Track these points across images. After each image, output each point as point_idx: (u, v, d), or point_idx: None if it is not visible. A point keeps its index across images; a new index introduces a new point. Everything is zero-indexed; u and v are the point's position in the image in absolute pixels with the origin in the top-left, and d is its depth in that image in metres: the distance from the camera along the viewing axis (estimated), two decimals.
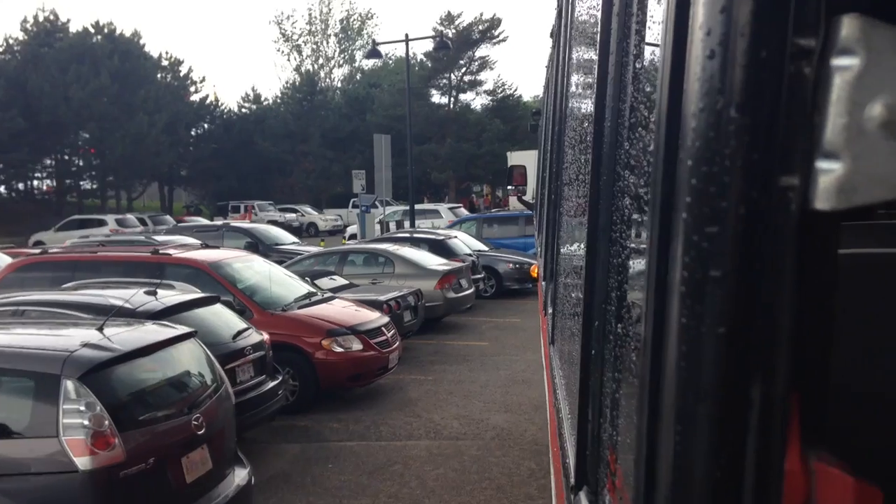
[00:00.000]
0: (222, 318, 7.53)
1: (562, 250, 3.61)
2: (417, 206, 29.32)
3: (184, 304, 7.15)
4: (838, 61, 0.57)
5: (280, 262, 15.78)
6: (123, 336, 4.99)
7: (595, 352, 1.50)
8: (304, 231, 40.53)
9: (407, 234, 17.88)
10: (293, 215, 42.26)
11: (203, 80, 62.10)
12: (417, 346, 12.08)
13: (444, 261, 14.43)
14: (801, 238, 0.60)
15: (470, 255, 16.32)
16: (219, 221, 32.83)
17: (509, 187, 15.97)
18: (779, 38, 0.58)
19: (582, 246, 1.84)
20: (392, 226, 26.05)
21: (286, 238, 20.75)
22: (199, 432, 4.88)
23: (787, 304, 0.60)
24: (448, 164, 48.32)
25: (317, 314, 9.09)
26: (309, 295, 9.66)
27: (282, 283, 9.84)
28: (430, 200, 45.21)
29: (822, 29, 0.58)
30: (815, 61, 0.58)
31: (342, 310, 9.55)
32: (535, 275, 10.21)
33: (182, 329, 5.43)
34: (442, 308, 13.27)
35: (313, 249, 18.12)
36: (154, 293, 7.17)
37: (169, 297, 7.21)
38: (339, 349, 8.75)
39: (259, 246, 19.12)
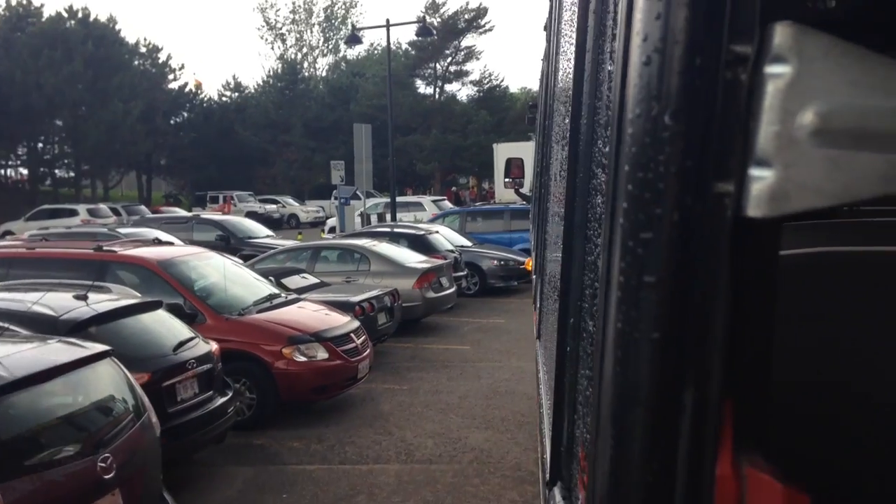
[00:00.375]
0: (164, 327, 6.63)
1: (546, 245, 3.58)
2: (400, 199, 28.44)
3: (118, 310, 6.26)
4: (771, 69, 0.56)
5: (251, 257, 14.91)
6: (16, 358, 4.09)
7: (570, 349, 1.48)
8: (286, 222, 39.52)
9: (387, 229, 16.99)
10: (273, 206, 41.21)
11: (182, 67, 60.74)
12: (393, 350, 11.21)
13: (423, 258, 13.56)
14: (738, 244, 0.59)
15: (452, 251, 15.46)
16: (195, 213, 31.72)
17: (506, 180, 15.30)
18: (714, 45, 0.58)
19: (561, 242, 1.85)
20: (373, 219, 25.18)
21: (260, 231, 19.79)
22: (108, 476, 3.99)
23: (721, 311, 0.60)
24: (433, 155, 47.39)
25: (278, 319, 8.20)
26: (271, 297, 8.76)
27: (241, 284, 8.93)
28: (415, 192, 44.28)
29: (757, 36, 0.57)
30: (749, 68, 0.57)
31: (307, 314, 8.66)
32: (530, 268, 9.57)
33: (95, 347, 4.53)
34: (421, 309, 12.40)
35: (288, 244, 17.22)
36: (84, 297, 6.26)
37: (101, 302, 6.30)
38: (301, 358, 7.87)
39: (231, 239, 18.19)
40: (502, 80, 53.32)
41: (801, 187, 0.55)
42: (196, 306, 7.92)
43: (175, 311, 7.70)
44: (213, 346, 6.84)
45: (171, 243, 10.25)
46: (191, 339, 6.67)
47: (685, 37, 0.58)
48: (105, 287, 7.00)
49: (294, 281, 11.13)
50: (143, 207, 35.41)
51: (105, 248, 8.60)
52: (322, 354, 7.98)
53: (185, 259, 8.65)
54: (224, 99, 55.47)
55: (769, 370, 0.66)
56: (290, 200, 43.81)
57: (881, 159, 0.54)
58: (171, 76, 51.94)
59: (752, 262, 0.62)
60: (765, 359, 0.66)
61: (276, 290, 9.13)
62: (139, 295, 7.03)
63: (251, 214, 38.40)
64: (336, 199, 24.60)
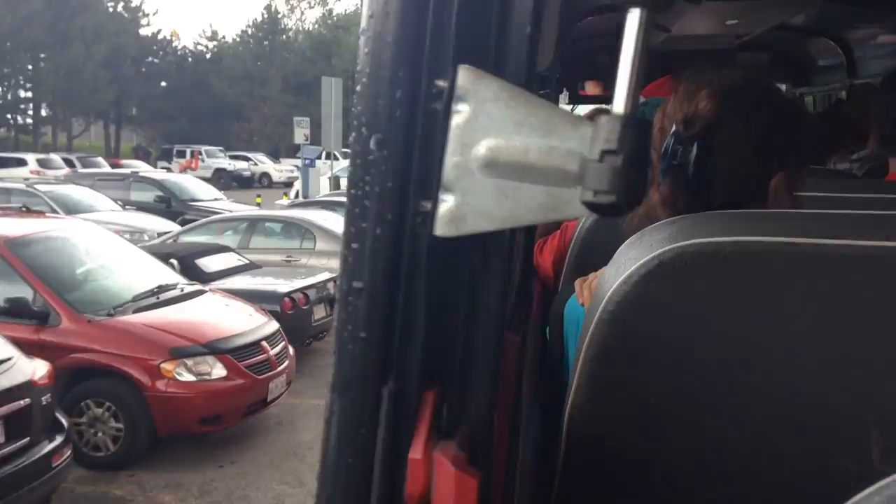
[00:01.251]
0: None
1: None
2: None
3: None
4: (456, 106, 0.64)
5: (187, 223, 12.91)
6: None
7: None
8: (257, 181, 37.32)
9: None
10: (244, 164, 38.87)
11: (156, 12, 57.62)
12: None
13: None
14: (436, 255, 0.68)
15: None
16: (164, 166, 29.53)
17: None
18: (414, 80, 0.66)
19: None
20: (343, 182, 23.13)
21: (206, 193, 17.62)
22: None
23: (421, 315, 0.69)
24: None
25: (161, 322, 6.20)
26: (159, 289, 6.74)
27: (122, 271, 6.92)
28: None
29: (450, 75, 0.65)
30: (444, 102, 0.65)
31: (206, 313, 6.67)
32: None
33: None
34: None
35: (240, 209, 15.18)
36: None
37: None
38: (187, 377, 5.90)
39: (171, 201, 16.10)
40: None
41: (475, 211, 0.64)
42: (49, 302, 5.92)
43: (19, 308, 5.73)
44: (41, 369, 4.85)
45: (41, 213, 8.14)
46: (3, 361, 4.67)
47: (388, 71, 0.65)
48: None
49: (219, 261, 9.13)
50: (100, 159, 32.91)
51: None
52: (218, 371, 6.03)
53: (47, 236, 6.61)
54: (200, 48, 52.63)
55: (470, 366, 0.74)
56: (263, 158, 41.42)
57: (540, 190, 0.62)
58: (143, 21, 49.03)
59: (450, 270, 0.71)
60: (465, 355, 0.74)
61: (172, 279, 7.10)
62: None
63: (220, 171, 36.17)
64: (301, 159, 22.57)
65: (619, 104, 0.59)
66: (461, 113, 0.63)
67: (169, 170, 32.56)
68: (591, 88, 6.10)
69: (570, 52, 6.27)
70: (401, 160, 0.66)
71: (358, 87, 0.67)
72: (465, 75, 0.63)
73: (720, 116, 1.12)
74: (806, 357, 0.90)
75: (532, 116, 0.62)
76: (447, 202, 0.65)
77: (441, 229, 0.65)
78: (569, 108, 9.35)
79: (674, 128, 1.15)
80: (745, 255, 0.89)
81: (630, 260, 0.86)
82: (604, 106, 3.74)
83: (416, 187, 0.67)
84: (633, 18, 0.58)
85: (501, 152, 0.62)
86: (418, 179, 0.66)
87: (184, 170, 33.28)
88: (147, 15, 49.30)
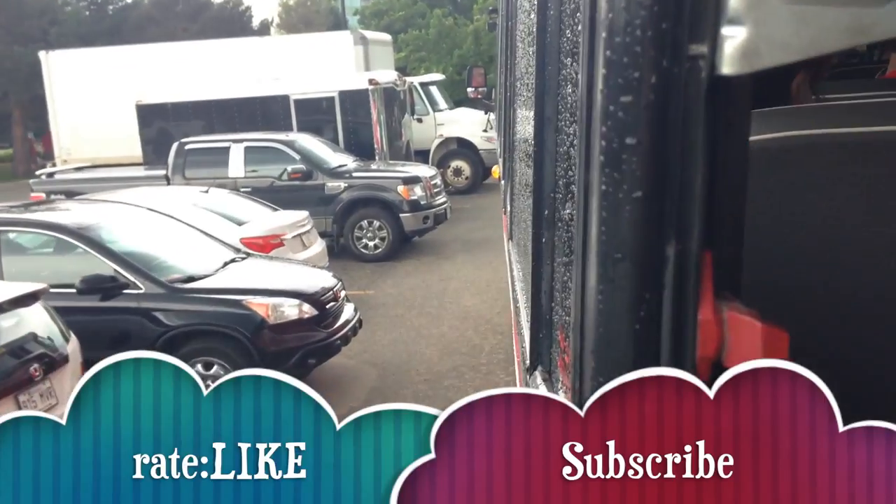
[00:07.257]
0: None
1: (515, 146, 3.73)
2: None
3: None
4: None
5: None
6: None
7: (546, 239, 1.57)
8: None
9: None
10: None
11: None
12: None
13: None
14: (713, 104, 0.62)
15: None
16: None
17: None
18: None
19: (531, 138, 1.93)
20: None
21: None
22: None
23: (700, 168, 0.64)
24: None
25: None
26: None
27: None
28: None
29: None
30: None
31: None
32: (497, 175, 9.31)
33: None
34: None
35: None
36: None
37: None
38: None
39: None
40: None
41: (771, 43, 0.57)
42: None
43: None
44: None
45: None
46: None
47: None
48: None
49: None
50: None
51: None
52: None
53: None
54: None
55: (742, 224, 0.69)
56: None
57: (846, 13, 0.56)
58: None
59: (727, 119, 0.65)
60: (739, 213, 0.69)
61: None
62: None
63: None
64: None
65: None
66: None
67: None
68: None
69: None
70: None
71: None
72: None
73: None
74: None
75: None
76: (736, 37, 0.60)
77: (731, 66, 0.60)
78: None
79: None
80: (815, 145, 0.99)
81: None
82: None
83: (689, 29, 0.62)
84: None
85: None
86: (690, 20, 0.62)
87: None
88: None
